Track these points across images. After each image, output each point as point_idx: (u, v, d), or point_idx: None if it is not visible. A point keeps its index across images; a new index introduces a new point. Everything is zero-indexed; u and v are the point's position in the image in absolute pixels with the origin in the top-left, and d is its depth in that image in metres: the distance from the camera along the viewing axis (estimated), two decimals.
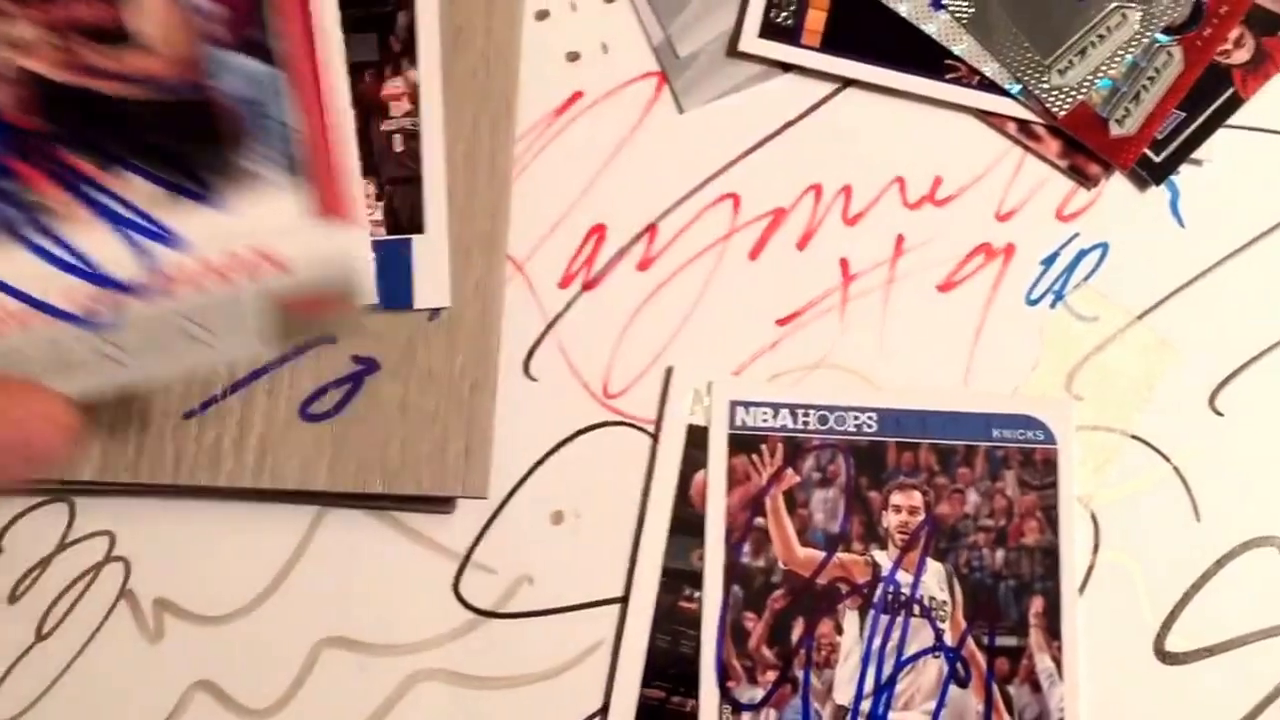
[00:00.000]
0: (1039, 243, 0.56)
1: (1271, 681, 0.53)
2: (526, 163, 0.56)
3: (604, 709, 0.52)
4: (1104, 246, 0.56)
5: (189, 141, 0.41)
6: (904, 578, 0.53)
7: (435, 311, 0.53)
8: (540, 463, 0.54)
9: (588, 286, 0.56)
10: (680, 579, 0.53)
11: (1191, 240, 0.56)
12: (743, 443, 0.53)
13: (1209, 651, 0.53)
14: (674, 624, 0.52)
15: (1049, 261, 0.56)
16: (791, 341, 0.55)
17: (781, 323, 0.55)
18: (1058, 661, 0.52)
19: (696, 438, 0.54)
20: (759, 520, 0.53)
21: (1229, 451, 0.55)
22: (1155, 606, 0.54)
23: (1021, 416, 0.54)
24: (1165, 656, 0.53)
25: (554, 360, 0.55)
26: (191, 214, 0.41)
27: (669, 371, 0.55)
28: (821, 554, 0.53)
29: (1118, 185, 0.57)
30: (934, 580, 0.53)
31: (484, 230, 0.54)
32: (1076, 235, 0.56)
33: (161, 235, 0.41)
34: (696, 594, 0.52)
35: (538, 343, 0.55)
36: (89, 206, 0.40)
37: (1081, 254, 0.56)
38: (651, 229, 0.56)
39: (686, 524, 0.53)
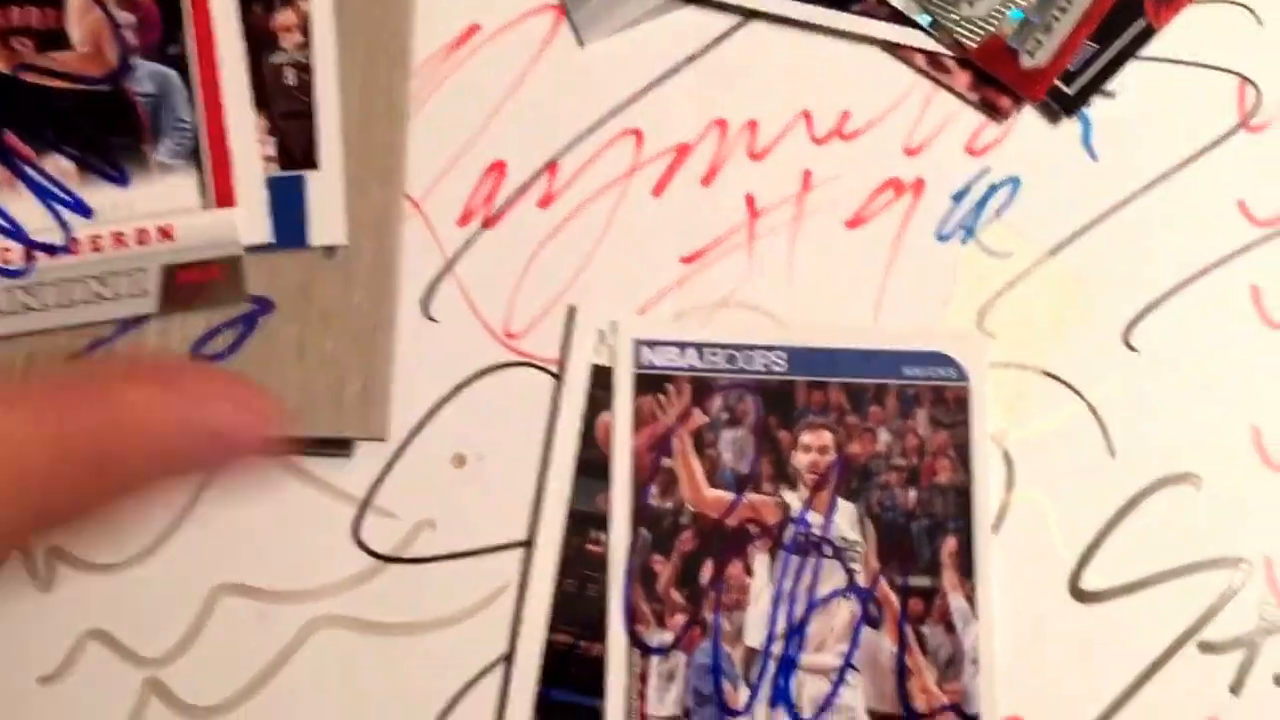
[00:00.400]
0: (949, 177, 0.55)
1: (1187, 619, 0.52)
2: (424, 98, 0.55)
3: (509, 655, 0.51)
4: (1015, 181, 0.55)
5: (106, 130, 0.52)
6: (815, 518, 0.52)
7: (331, 249, 0.52)
8: (441, 405, 0.53)
9: (487, 224, 0.54)
10: (586, 522, 0.52)
11: (1104, 174, 0.55)
12: (649, 383, 0.52)
13: (1125, 589, 0.52)
14: (581, 568, 0.51)
15: (959, 197, 0.55)
16: (697, 280, 0.54)
17: (687, 260, 0.54)
18: (971, 601, 0.51)
19: (601, 378, 0.52)
20: (666, 461, 0.52)
21: (1143, 387, 0.54)
22: (1070, 544, 0.53)
23: (933, 354, 0.53)
24: (1081, 595, 0.52)
25: (454, 300, 0.54)
26: (104, 191, 0.51)
27: (572, 311, 0.53)
28: (730, 495, 0.52)
29: (1029, 118, 0.56)
30: (845, 521, 0.52)
31: (380, 166, 0.52)
32: (987, 170, 0.55)
33: (78, 206, 0.51)
34: (603, 537, 0.51)
35: (436, 282, 0.54)
36: (22, 180, 0.51)
37: (992, 189, 0.55)
38: (552, 166, 0.55)
39: (592, 466, 0.52)
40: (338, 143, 0.52)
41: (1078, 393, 0.54)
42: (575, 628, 0.51)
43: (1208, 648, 0.52)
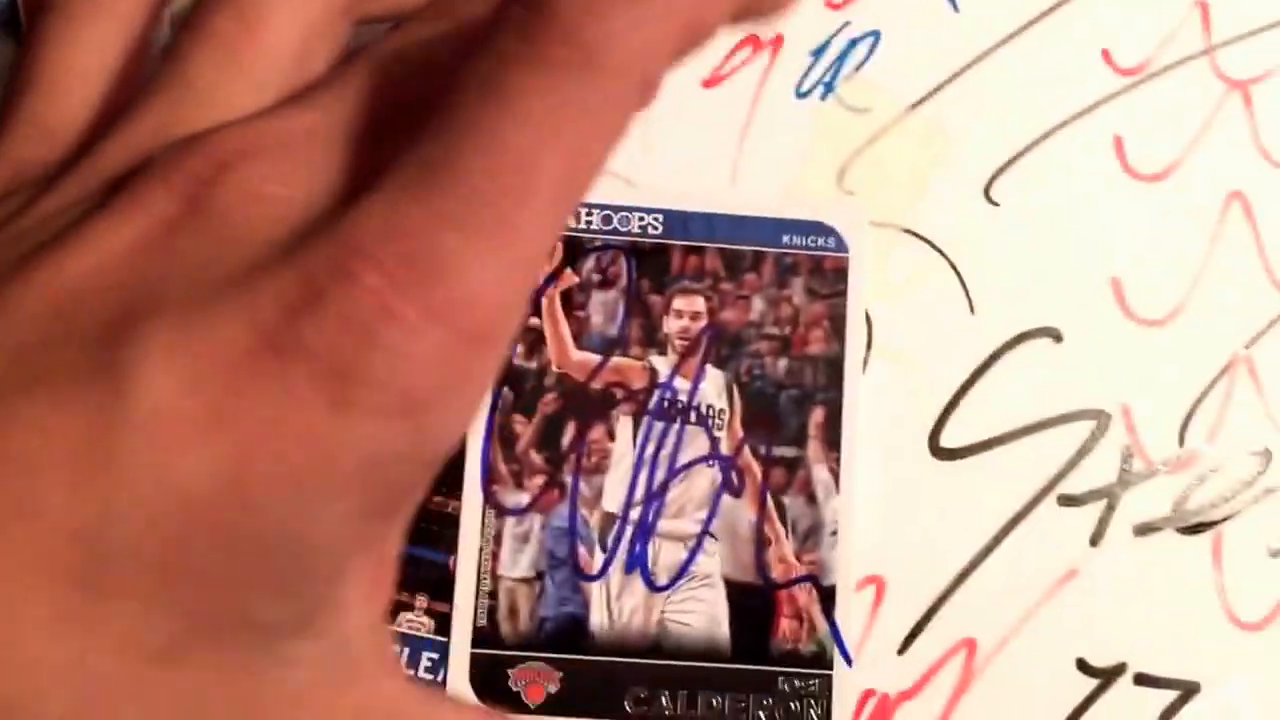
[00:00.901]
0: (808, 33, 0.54)
1: (1046, 473, 0.52)
2: None
3: None
4: (876, 34, 0.54)
5: None
6: (682, 385, 0.51)
7: None
8: None
9: None
10: None
11: (965, 25, 0.54)
12: None
13: (985, 445, 0.52)
14: None
15: (819, 52, 0.54)
16: None
17: None
18: (835, 474, 0.51)
19: None
20: (534, 321, 0.51)
21: (1004, 242, 0.53)
22: (931, 403, 0.53)
23: (814, 223, 0.52)
24: (940, 452, 0.52)
25: None
26: None
27: None
28: (597, 358, 0.51)
29: None
30: (713, 388, 0.51)
31: None
32: (847, 24, 0.54)
33: None
34: None
35: None
36: None
37: (852, 43, 0.54)
38: None
39: None
40: None
41: (938, 249, 0.53)
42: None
43: (1068, 500, 0.52)
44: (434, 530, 0.50)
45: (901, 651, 0.51)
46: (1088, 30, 0.54)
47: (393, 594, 0.31)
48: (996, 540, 0.52)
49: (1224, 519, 0.52)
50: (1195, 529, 0.52)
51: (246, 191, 0.27)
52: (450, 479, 0.50)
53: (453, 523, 0.50)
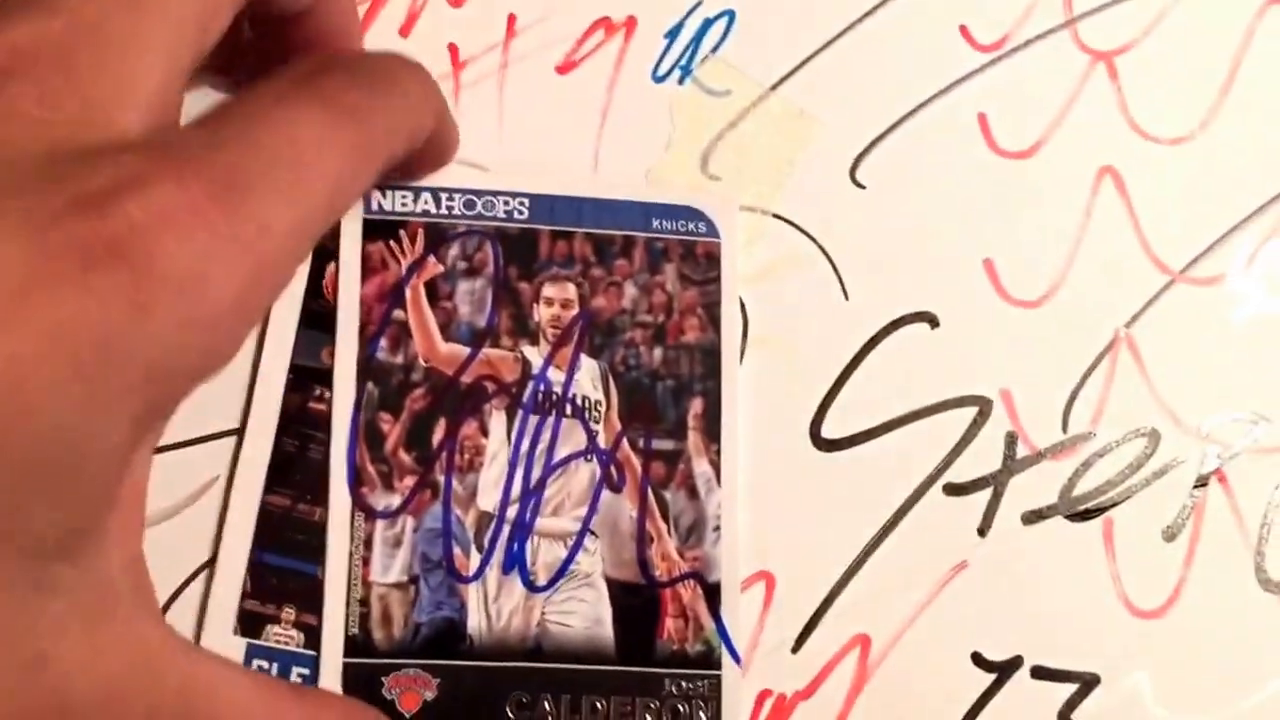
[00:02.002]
0: (661, 14, 0.52)
1: (930, 462, 0.50)
2: None
3: (221, 518, 0.46)
4: (730, 14, 0.52)
5: None
6: (556, 376, 0.48)
7: None
8: None
9: None
10: (310, 377, 0.48)
11: (821, 4, 0.53)
12: (379, 228, 0.48)
13: (867, 435, 0.50)
14: (303, 426, 0.47)
15: (673, 34, 0.52)
16: None
17: None
18: (716, 466, 0.48)
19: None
20: (398, 313, 0.48)
21: (873, 226, 0.52)
22: (810, 393, 0.50)
23: (683, 207, 0.50)
24: (822, 443, 0.50)
25: None
26: None
27: None
28: (466, 350, 0.48)
29: None
30: (588, 378, 0.48)
31: None
32: (700, 3, 0.52)
33: None
34: (328, 394, 0.47)
35: None
36: None
37: (707, 23, 0.52)
38: None
39: (318, 319, 0.48)
40: None
41: (807, 234, 0.51)
42: (293, 490, 0.47)
43: (954, 489, 0.50)
44: (299, 540, 0.46)
45: (795, 650, 0.48)
46: (944, 6, 0.53)
47: (143, 533, 0.32)
48: (884, 532, 0.49)
49: (1114, 504, 0.50)
50: (1085, 515, 0.50)
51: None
52: (315, 485, 0.46)
53: (319, 531, 0.46)
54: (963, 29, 0.53)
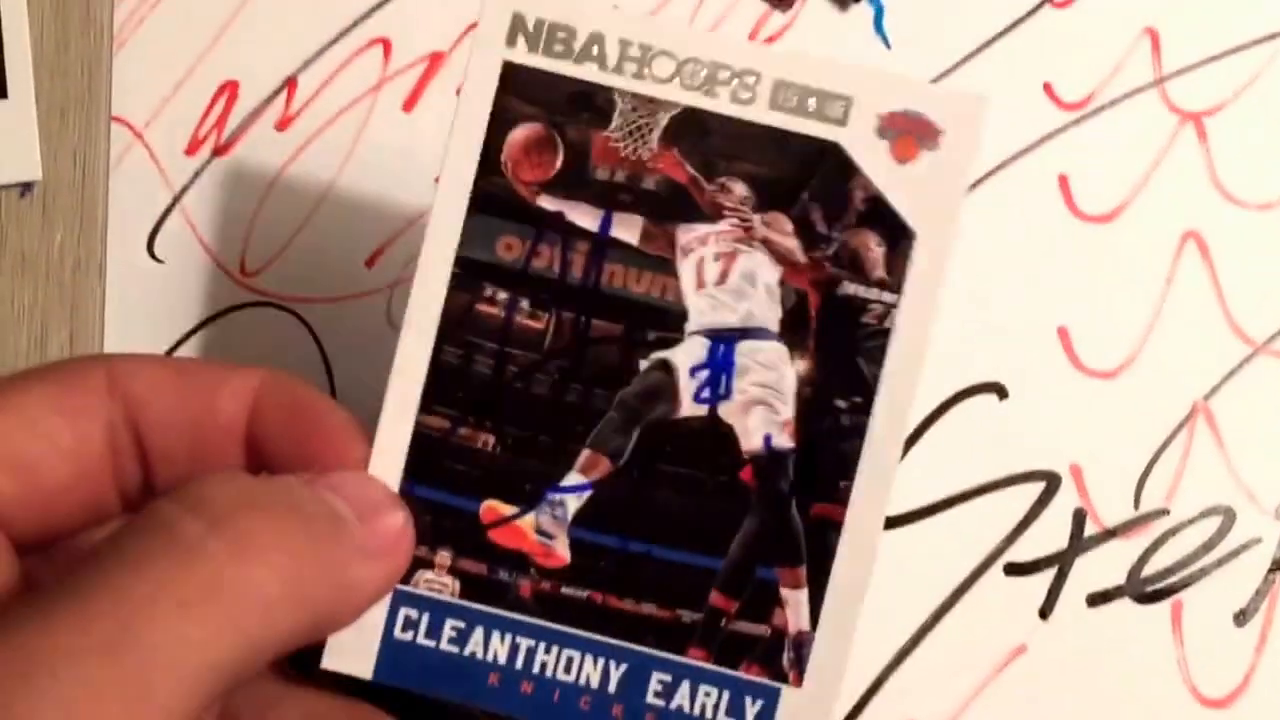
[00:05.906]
0: None
1: (991, 540, 0.49)
2: (143, 14, 0.50)
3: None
4: None
5: None
6: None
7: (26, 187, 0.47)
8: (170, 352, 0.49)
9: (219, 152, 0.50)
10: (480, 273, 0.38)
11: (898, 61, 0.51)
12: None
13: (927, 511, 0.49)
14: (468, 333, 0.38)
15: None
16: None
17: None
18: None
19: (514, 81, 0.38)
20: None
21: (948, 290, 0.50)
22: None
23: None
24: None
25: (182, 237, 0.49)
26: None
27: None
28: None
29: (816, 4, 0.51)
30: None
31: (79, 89, 0.47)
32: None
33: None
34: (500, 294, 0.38)
35: (163, 219, 0.49)
36: None
37: None
38: (290, 83, 0.50)
39: (492, 202, 0.38)
40: (28, 66, 0.47)
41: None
42: (454, 411, 0.38)
43: (1015, 569, 0.49)
44: (459, 470, 0.38)
45: None
46: (1029, 63, 0.51)
47: None
48: (939, 614, 0.48)
49: (1184, 585, 0.49)
50: (1154, 597, 0.49)
51: None
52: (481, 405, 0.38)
53: (484, 461, 0.38)
54: (1047, 86, 0.51)
